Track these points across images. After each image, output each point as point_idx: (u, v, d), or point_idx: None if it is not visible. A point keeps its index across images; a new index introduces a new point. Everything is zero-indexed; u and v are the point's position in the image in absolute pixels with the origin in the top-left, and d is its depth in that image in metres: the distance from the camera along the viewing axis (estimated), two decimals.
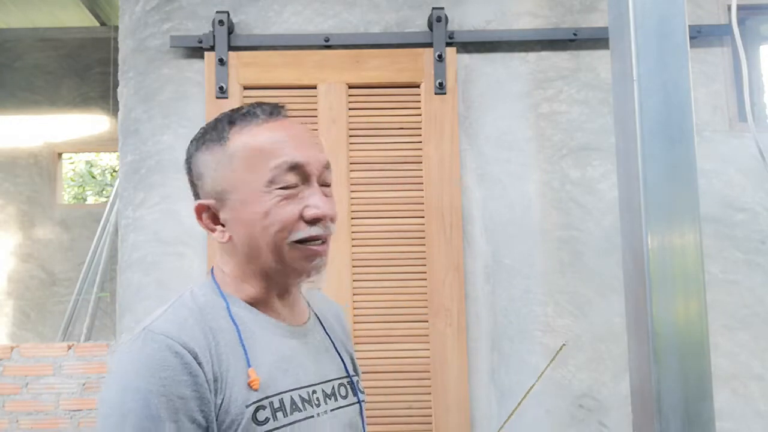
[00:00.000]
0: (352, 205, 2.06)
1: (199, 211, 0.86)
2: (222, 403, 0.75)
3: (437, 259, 2.03)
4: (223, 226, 0.84)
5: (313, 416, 0.83)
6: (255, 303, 0.87)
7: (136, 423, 0.70)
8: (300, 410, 0.82)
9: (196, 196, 0.88)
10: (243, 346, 0.80)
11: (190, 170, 0.88)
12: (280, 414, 0.79)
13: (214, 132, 0.86)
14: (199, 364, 0.74)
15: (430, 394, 2.00)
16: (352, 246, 2.04)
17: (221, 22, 2.05)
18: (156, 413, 0.70)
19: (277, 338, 0.86)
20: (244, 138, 0.83)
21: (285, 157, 0.82)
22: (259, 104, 0.87)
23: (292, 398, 0.82)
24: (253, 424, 0.76)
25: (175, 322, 0.79)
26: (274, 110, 0.86)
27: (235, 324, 0.81)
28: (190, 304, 0.83)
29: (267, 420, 0.77)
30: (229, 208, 0.83)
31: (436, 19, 2.09)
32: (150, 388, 0.71)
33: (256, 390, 0.77)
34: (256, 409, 0.77)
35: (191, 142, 0.90)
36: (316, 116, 2.08)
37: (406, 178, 2.08)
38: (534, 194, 2.12)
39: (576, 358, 2.06)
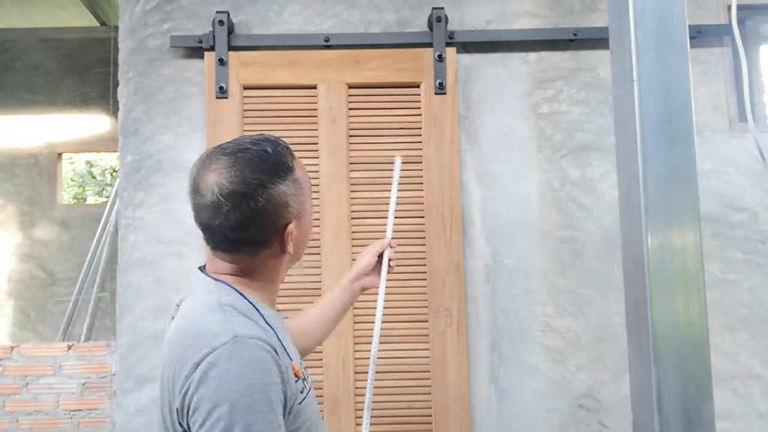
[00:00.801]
0: (352, 205, 2.06)
1: (290, 232, 1.00)
2: (288, 380, 0.96)
3: (437, 259, 2.03)
4: (292, 241, 1.01)
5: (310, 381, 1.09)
6: (268, 302, 1.06)
7: (260, 408, 0.88)
8: (308, 377, 1.07)
9: (274, 222, 0.99)
10: (281, 342, 1.00)
11: (269, 201, 0.97)
12: (306, 383, 1.04)
13: (284, 166, 0.99)
14: (278, 355, 0.94)
15: (430, 394, 2.00)
16: (352, 246, 2.04)
17: (221, 22, 2.05)
18: (269, 398, 0.90)
19: (284, 328, 1.08)
20: (298, 168, 1.03)
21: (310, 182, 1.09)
22: (278, 138, 1.04)
23: (304, 371, 1.06)
24: (299, 394, 1.00)
25: (249, 327, 0.95)
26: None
27: (271, 326, 1.00)
28: (236, 311, 0.97)
29: (303, 389, 1.02)
30: (301, 224, 1.03)
31: (436, 19, 2.09)
32: (263, 380, 0.90)
33: (299, 377, 1.01)
34: (300, 382, 1.01)
35: (253, 176, 0.96)
36: (316, 116, 2.08)
37: (406, 178, 2.08)
38: (534, 194, 2.12)
39: (576, 358, 2.06)
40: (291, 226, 0.99)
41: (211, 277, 1.01)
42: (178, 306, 1.06)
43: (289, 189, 0.99)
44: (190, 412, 0.90)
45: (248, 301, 0.99)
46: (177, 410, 0.92)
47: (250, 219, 0.95)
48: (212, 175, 0.95)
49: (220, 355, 0.89)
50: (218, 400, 0.87)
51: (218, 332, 0.92)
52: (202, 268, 1.05)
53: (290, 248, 1.00)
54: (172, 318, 1.05)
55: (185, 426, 0.92)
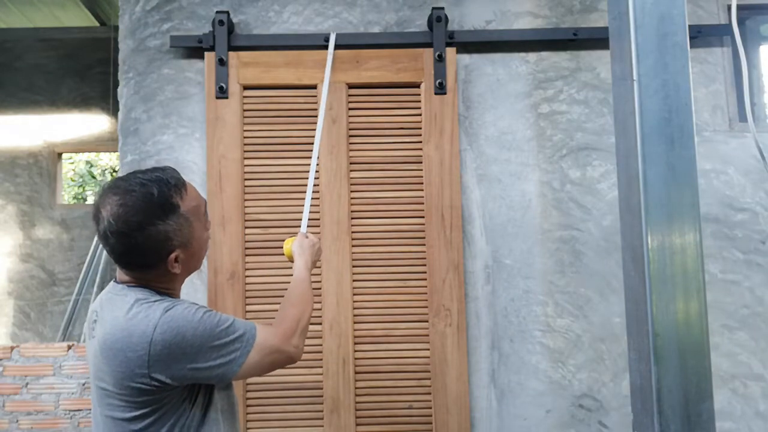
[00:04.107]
0: (352, 205, 2.06)
1: (174, 259, 1.15)
2: None
3: (437, 259, 2.03)
4: (178, 263, 1.16)
5: None
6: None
7: (213, 314, 1.15)
8: None
9: (156, 253, 1.13)
10: None
11: (147, 239, 1.12)
12: None
13: (166, 206, 1.13)
14: None
15: (430, 394, 2.00)
16: (352, 246, 2.04)
17: (221, 22, 2.05)
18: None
19: None
20: (187, 202, 1.17)
21: (204, 205, 1.24)
22: (168, 170, 1.18)
23: None
24: None
25: (168, 300, 1.18)
26: (178, 173, 1.20)
27: None
28: (152, 300, 1.16)
29: None
30: (190, 250, 1.18)
31: (436, 19, 2.09)
32: (203, 309, 1.16)
33: None
34: None
35: (134, 218, 1.11)
36: (316, 116, 2.08)
37: (406, 178, 2.08)
38: (534, 194, 2.12)
39: (576, 358, 2.06)
40: (174, 255, 1.15)
41: (124, 284, 1.18)
42: (95, 322, 1.19)
43: (170, 227, 1.13)
44: (164, 365, 1.08)
45: (158, 294, 1.17)
46: (142, 374, 1.09)
47: (131, 251, 1.13)
48: (104, 211, 1.12)
49: (163, 320, 1.09)
50: (187, 330, 1.09)
51: (148, 315, 1.10)
52: (115, 279, 1.22)
53: (176, 270, 1.16)
54: (92, 335, 1.19)
55: (157, 377, 1.09)
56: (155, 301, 1.14)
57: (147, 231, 1.11)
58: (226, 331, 1.14)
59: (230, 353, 1.14)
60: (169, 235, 1.14)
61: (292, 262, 1.47)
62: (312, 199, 2.06)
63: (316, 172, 2.07)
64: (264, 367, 1.20)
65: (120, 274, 1.20)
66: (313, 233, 1.66)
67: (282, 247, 1.52)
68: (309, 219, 2.04)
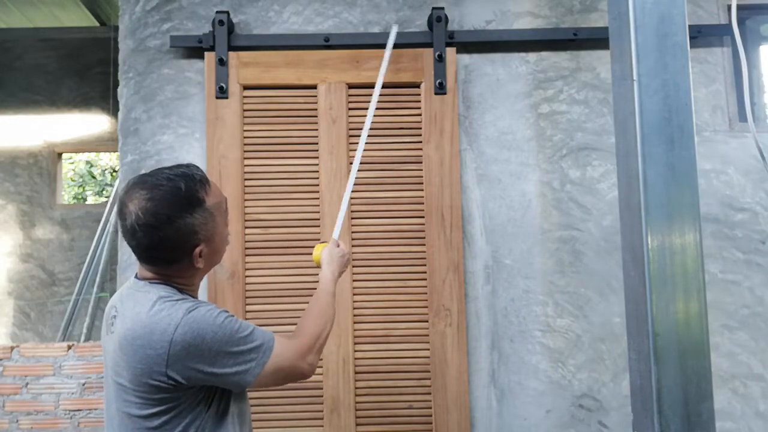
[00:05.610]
0: (352, 205, 2.05)
1: (198, 253, 1.17)
2: None
3: (437, 259, 2.03)
4: (201, 257, 1.19)
5: None
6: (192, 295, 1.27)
7: (233, 319, 1.16)
8: None
9: (182, 246, 1.16)
10: None
11: (176, 232, 1.14)
12: None
13: (193, 200, 1.16)
14: None
15: (430, 394, 2.00)
16: (352, 246, 2.04)
17: (221, 22, 2.05)
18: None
19: None
20: (211, 198, 1.20)
21: (225, 202, 1.26)
22: (192, 166, 1.21)
23: None
24: None
25: (190, 300, 1.18)
26: (201, 170, 1.23)
27: None
28: (174, 298, 1.17)
29: None
30: (213, 245, 1.21)
31: (436, 19, 2.09)
32: (225, 313, 1.17)
33: None
34: None
35: (163, 211, 1.13)
36: (316, 116, 2.08)
37: (406, 178, 2.08)
38: (534, 194, 2.12)
39: (576, 358, 2.06)
40: (199, 249, 1.17)
41: (146, 281, 1.20)
42: (115, 317, 1.20)
43: (196, 220, 1.16)
44: (181, 365, 1.09)
45: (180, 292, 1.19)
46: (160, 372, 1.10)
47: (159, 244, 1.15)
48: (131, 205, 1.14)
49: (185, 320, 1.10)
50: (205, 335, 1.10)
51: (171, 314, 1.11)
52: (136, 276, 1.24)
53: (200, 264, 1.19)
54: (111, 330, 1.20)
55: (173, 376, 1.10)
56: (178, 300, 1.15)
57: (175, 224, 1.13)
58: (245, 339, 1.15)
59: (246, 362, 1.15)
60: (196, 229, 1.16)
61: (320, 268, 1.47)
62: (312, 199, 2.07)
63: (316, 173, 2.07)
64: (277, 381, 1.21)
65: (141, 270, 1.22)
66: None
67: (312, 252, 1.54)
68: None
